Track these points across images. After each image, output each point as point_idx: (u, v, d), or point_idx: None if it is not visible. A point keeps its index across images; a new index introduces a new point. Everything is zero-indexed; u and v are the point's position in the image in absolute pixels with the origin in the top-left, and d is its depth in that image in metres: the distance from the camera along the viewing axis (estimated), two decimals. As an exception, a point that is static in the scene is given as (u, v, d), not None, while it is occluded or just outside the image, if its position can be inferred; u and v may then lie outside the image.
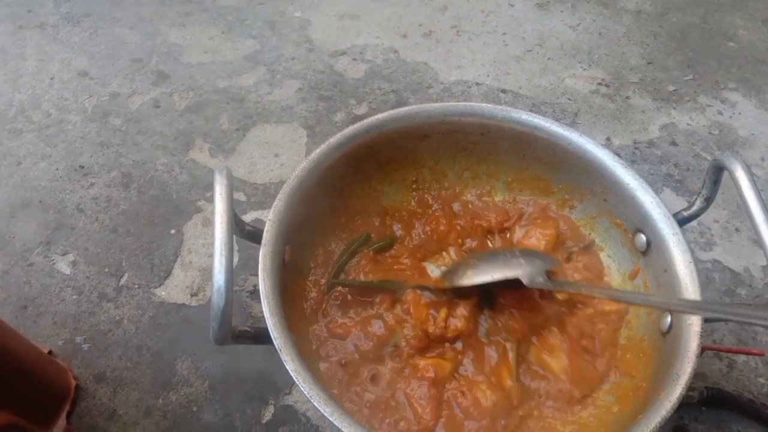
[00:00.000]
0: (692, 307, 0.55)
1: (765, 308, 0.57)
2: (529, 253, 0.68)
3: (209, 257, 0.87)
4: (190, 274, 0.86)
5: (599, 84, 1.16)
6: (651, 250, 0.64)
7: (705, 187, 0.62)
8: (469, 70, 1.17)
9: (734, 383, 0.77)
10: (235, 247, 0.88)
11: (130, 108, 1.08)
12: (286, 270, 0.61)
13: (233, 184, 0.54)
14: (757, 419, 0.74)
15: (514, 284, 0.62)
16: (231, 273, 0.49)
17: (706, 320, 0.56)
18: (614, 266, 0.71)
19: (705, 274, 0.89)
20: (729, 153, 0.58)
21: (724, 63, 1.21)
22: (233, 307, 0.71)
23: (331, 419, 0.48)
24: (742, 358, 0.80)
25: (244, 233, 0.60)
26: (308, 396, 0.49)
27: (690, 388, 0.72)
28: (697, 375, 0.77)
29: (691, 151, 1.04)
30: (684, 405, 0.74)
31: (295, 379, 0.50)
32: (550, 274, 0.63)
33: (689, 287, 0.58)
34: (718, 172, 0.60)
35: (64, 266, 0.87)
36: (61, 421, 0.71)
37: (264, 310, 0.53)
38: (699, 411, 0.75)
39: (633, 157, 1.02)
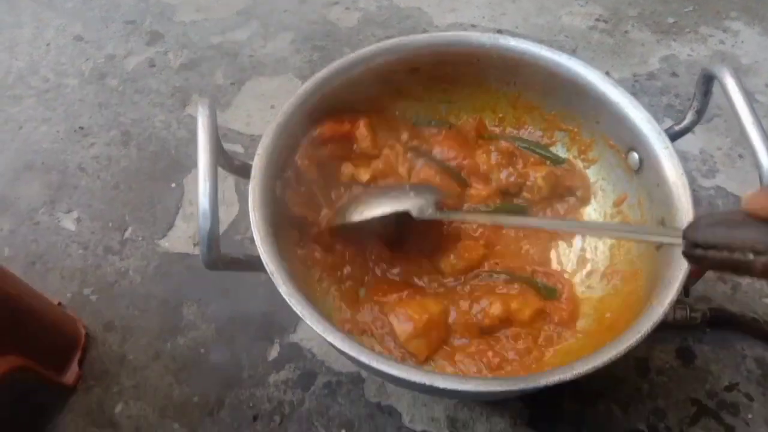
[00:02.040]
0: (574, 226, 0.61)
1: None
2: (420, 187, 0.70)
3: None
4: (192, 224, 0.87)
5: (597, 20, 1.14)
6: (643, 168, 0.63)
7: (695, 99, 0.61)
8: (463, 12, 1.16)
9: (738, 304, 0.77)
10: (235, 197, 0.89)
11: (126, 69, 1.08)
12: (278, 205, 0.62)
13: (216, 117, 0.54)
14: (761, 337, 0.74)
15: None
16: (215, 196, 0.50)
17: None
18: (609, 188, 0.71)
19: (708, 200, 0.88)
20: (717, 61, 0.57)
21: (725, -8, 1.18)
22: (236, 252, 0.74)
23: (323, 335, 0.49)
24: (747, 279, 0.80)
25: (234, 168, 0.60)
26: (300, 315, 0.50)
27: (693, 309, 0.73)
28: (701, 298, 0.78)
29: (693, 81, 1.01)
30: (688, 327, 0.75)
31: (288, 301, 0.51)
32: (440, 205, 0.65)
33: (681, 198, 0.57)
34: (707, 82, 0.59)
35: (69, 223, 0.88)
36: (73, 367, 0.73)
37: (255, 237, 0.54)
38: (703, 332, 0.75)
39: (633, 90, 1.01)
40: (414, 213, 0.61)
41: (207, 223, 0.49)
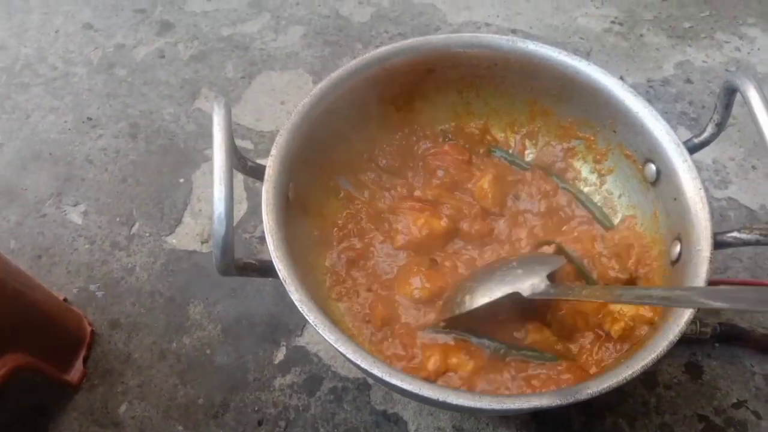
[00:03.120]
0: (698, 295, 0.49)
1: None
2: (527, 260, 0.64)
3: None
4: (200, 221, 0.86)
5: (612, 22, 1.13)
6: (661, 180, 0.63)
7: (716, 111, 0.60)
8: (477, 10, 1.14)
9: (748, 319, 0.77)
10: (244, 194, 0.88)
11: (135, 59, 1.07)
12: (291, 208, 0.61)
13: (231, 117, 0.53)
14: (770, 353, 0.74)
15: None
16: (231, 201, 0.49)
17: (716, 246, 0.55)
18: (625, 200, 0.70)
19: (720, 212, 0.87)
20: (741, 73, 0.56)
21: (743, -3, 1.17)
22: (243, 251, 0.73)
23: (335, 346, 0.48)
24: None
25: (247, 169, 0.60)
26: (312, 323, 0.49)
27: (703, 324, 0.72)
28: (710, 312, 0.77)
29: (707, 89, 1.01)
30: (697, 341, 0.74)
31: (300, 309, 0.50)
32: (552, 278, 0.59)
33: (699, 214, 0.57)
34: (729, 94, 0.58)
35: (75, 216, 0.87)
36: (78, 365, 0.73)
37: (268, 242, 0.53)
38: (712, 347, 0.75)
39: (647, 96, 1.00)
40: (525, 294, 0.57)
41: (222, 229, 0.48)
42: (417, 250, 0.68)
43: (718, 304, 0.51)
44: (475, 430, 0.69)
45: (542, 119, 0.74)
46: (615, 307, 0.60)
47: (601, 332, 0.61)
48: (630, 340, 0.59)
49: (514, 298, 0.57)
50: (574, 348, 0.61)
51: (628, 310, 0.59)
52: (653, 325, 0.58)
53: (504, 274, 0.61)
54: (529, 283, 0.57)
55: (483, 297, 0.59)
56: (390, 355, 0.61)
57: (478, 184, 0.72)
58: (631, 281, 0.63)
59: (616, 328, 0.59)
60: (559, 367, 0.58)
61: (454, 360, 0.59)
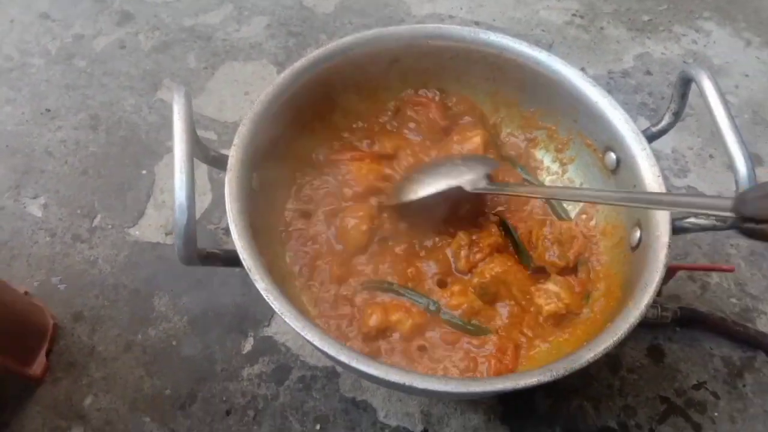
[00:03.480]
0: (624, 198, 0.56)
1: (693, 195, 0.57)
2: (470, 158, 0.68)
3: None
4: (164, 213, 0.85)
5: (573, 15, 1.15)
6: (620, 168, 0.64)
7: (673, 101, 0.62)
8: (441, 3, 1.15)
9: (707, 304, 0.79)
10: (208, 186, 0.88)
11: (95, 49, 1.05)
12: (257, 198, 0.61)
13: (192, 106, 0.53)
14: (727, 336, 0.76)
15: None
16: (192, 190, 0.48)
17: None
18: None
19: (678, 199, 0.89)
20: (695, 64, 0.57)
21: (699, -9, 1.20)
22: (209, 243, 0.72)
23: (302, 333, 0.48)
24: (715, 279, 0.82)
25: (209, 159, 0.59)
26: (279, 312, 0.49)
27: (663, 308, 0.74)
28: (671, 297, 0.79)
29: (666, 80, 1.04)
30: (658, 325, 0.76)
31: (266, 297, 0.50)
32: (491, 178, 0.64)
33: (657, 200, 0.58)
34: (685, 84, 0.60)
35: (35, 209, 0.86)
36: (41, 359, 0.71)
37: (232, 231, 0.53)
38: (673, 331, 0.77)
39: (607, 87, 1.02)
40: (467, 187, 0.61)
41: (184, 217, 0.47)
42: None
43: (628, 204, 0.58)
44: (443, 414, 0.70)
45: (505, 109, 0.75)
46: (546, 286, 0.63)
47: (524, 305, 0.64)
48: (560, 325, 0.62)
49: (456, 191, 0.62)
50: (498, 320, 0.64)
51: (560, 290, 0.63)
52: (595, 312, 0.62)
53: (449, 170, 0.65)
54: (471, 178, 0.62)
55: (429, 187, 0.64)
56: (336, 315, 0.63)
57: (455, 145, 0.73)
58: (568, 270, 0.65)
59: (548, 308, 0.62)
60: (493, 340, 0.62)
61: (394, 317, 0.61)
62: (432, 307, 0.63)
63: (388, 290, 0.64)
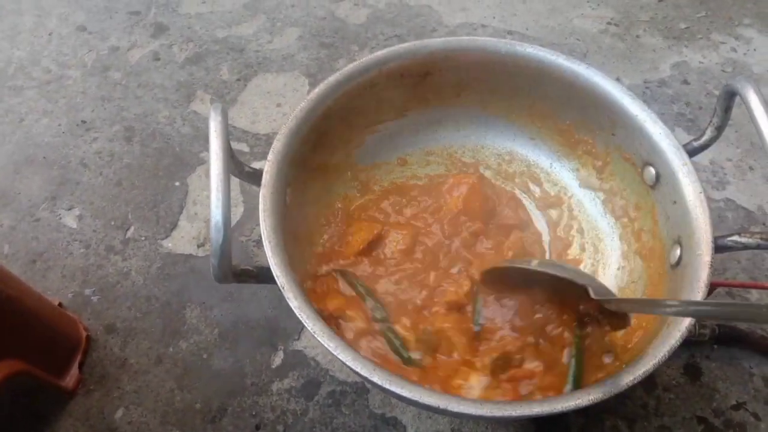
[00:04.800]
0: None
1: None
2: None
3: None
4: (196, 225, 0.86)
5: (608, 23, 1.13)
6: (660, 183, 0.63)
7: (716, 114, 0.60)
8: (474, 12, 1.14)
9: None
10: (240, 198, 0.88)
11: (130, 61, 1.06)
12: (289, 213, 0.60)
13: (228, 122, 0.53)
14: (769, 355, 0.74)
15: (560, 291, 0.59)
16: (228, 208, 0.48)
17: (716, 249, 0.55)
18: (624, 202, 0.70)
19: (717, 213, 0.87)
20: (741, 77, 0.56)
21: (738, -2, 1.17)
22: (240, 255, 0.72)
23: (335, 353, 0.48)
24: (755, 295, 0.79)
25: (244, 174, 0.59)
26: (311, 331, 0.48)
27: (701, 326, 0.72)
28: (708, 313, 0.77)
29: (704, 90, 1.01)
30: (695, 343, 0.74)
31: (299, 316, 0.49)
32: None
33: (699, 217, 0.56)
34: (729, 98, 0.58)
35: (70, 220, 0.87)
36: (74, 371, 0.72)
37: (266, 248, 0.52)
38: (711, 349, 0.75)
39: (643, 97, 1.00)
40: (593, 294, 0.53)
41: (220, 236, 0.47)
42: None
43: None
44: (474, 434, 0.69)
45: (540, 121, 0.74)
46: None
47: None
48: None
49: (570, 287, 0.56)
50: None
51: None
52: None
53: (576, 269, 0.61)
54: (596, 286, 0.54)
55: (556, 270, 0.57)
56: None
57: None
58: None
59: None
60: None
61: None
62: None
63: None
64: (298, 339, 0.75)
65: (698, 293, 0.52)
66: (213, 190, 0.48)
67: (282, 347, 0.75)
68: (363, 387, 0.71)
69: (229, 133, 0.53)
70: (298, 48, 1.08)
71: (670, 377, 0.73)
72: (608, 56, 1.07)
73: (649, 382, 0.72)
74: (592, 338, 0.59)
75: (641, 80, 1.04)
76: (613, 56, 1.07)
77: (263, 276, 0.53)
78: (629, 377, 0.47)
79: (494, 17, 1.14)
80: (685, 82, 1.03)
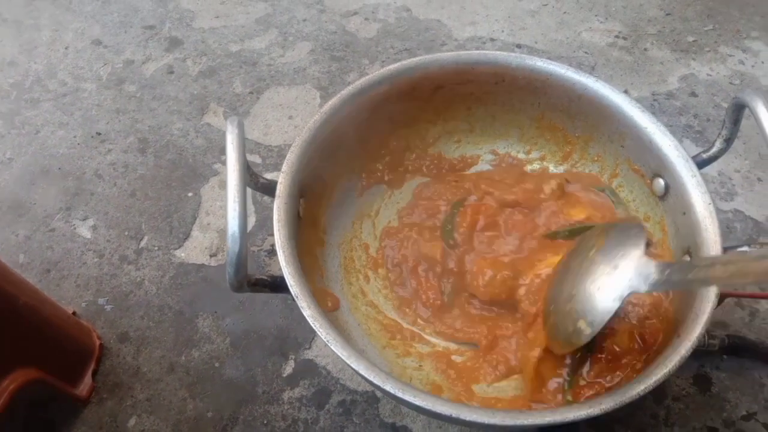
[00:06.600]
0: None
1: None
2: (610, 244, 0.55)
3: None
4: (209, 235, 0.87)
5: (616, 37, 1.14)
6: (669, 195, 0.63)
7: (725, 127, 0.61)
8: (483, 26, 1.16)
9: (756, 331, 0.77)
10: (252, 208, 0.89)
11: (144, 74, 1.08)
12: (302, 224, 0.61)
13: (244, 135, 0.54)
14: (779, 366, 0.74)
15: None
16: (245, 219, 0.49)
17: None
18: (632, 212, 0.70)
19: (726, 224, 0.87)
20: (750, 90, 0.56)
21: (746, 11, 1.17)
22: (252, 264, 0.73)
23: (348, 362, 0.48)
24: (765, 306, 0.79)
25: (258, 186, 0.60)
26: (325, 340, 0.49)
27: (711, 336, 0.72)
28: (718, 324, 0.77)
29: (711, 102, 1.02)
30: (705, 353, 0.74)
31: (312, 325, 0.50)
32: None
33: (708, 229, 0.57)
34: (738, 110, 0.59)
35: (84, 231, 0.88)
36: (87, 379, 0.73)
37: (279, 259, 0.53)
38: (720, 359, 0.75)
39: (651, 109, 1.00)
40: (642, 290, 0.50)
41: (236, 247, 0.48)
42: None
43: None
44: (484, 444, 0.69)
45: (550, 134, 0.75)
46: None
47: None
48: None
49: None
50: None
51: None
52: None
53: (596, 274, 0.53)
54: (637, 273, 0.49)
55: (601, 314, 0.52)
56: None
57: None
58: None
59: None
60: None
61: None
62: None
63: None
64: (309, 348, 0.76)
65: (708, 303, 0.52)
66: (230, 200, 0.49)
67: (293, 356, 0.75)
68: (373, 396, 0.72)
69: (245, 145, 0.54)
70: (310, 62, 1.10)
71: (680, 387, 0.73)
72: (616, 69, 1.08)
73: (658, 392, 0.72)
74: None
75: (649, 92, 1.04)
76: (622, 69, 1.08)
77: (277, 285, 0.54)
78: (640, 387, 0.48)
79: (503, 31, 1.15)
80: (693, 94, 1.04)
